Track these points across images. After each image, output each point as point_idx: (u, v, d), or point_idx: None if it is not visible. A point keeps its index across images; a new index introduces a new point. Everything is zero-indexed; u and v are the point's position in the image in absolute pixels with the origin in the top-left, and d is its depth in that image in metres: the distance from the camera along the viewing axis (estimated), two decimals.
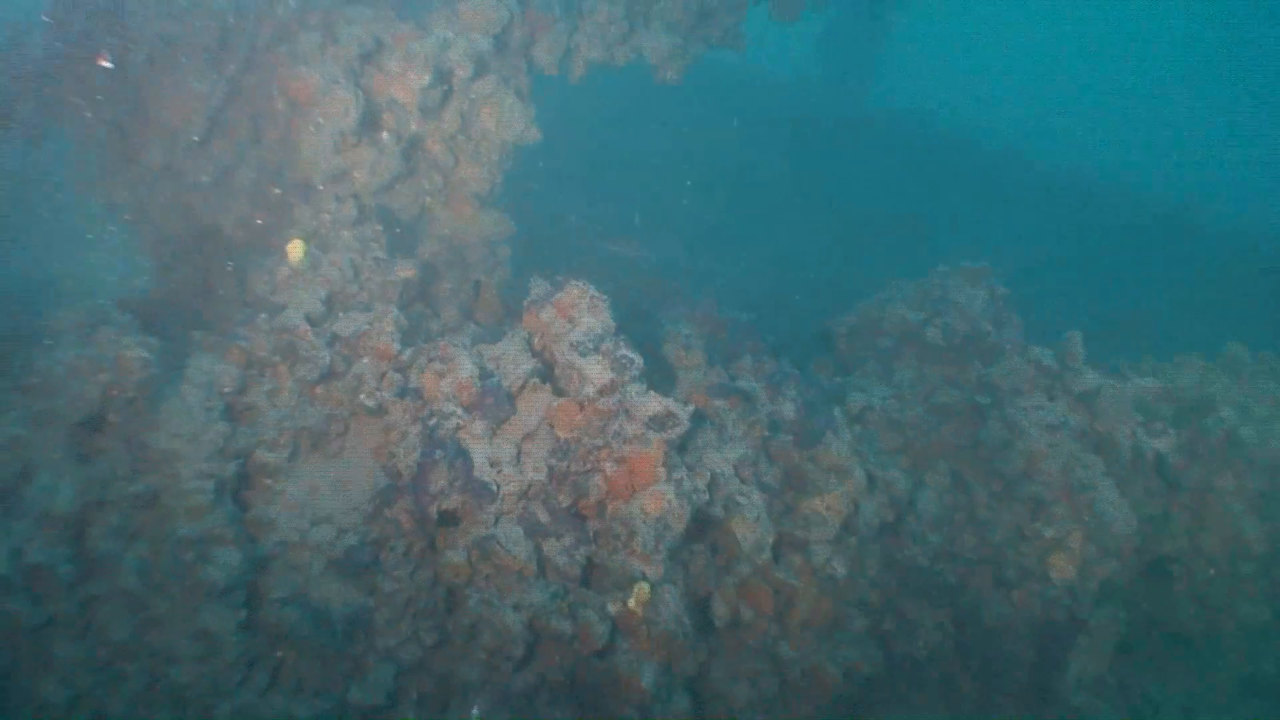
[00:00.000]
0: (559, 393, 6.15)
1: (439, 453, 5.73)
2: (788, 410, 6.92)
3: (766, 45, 8.93)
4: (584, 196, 16.27)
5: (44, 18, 6.84)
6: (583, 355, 6.06)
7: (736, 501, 6.38)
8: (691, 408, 6.03)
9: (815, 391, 7.02)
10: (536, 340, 6.51)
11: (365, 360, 6.32)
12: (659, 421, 5.85)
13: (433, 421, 5.88)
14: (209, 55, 7.06)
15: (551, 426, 6.02)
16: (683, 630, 5.82)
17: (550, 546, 5.75)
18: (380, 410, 6.14)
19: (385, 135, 7.19)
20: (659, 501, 5.69)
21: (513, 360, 6.28)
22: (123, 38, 6.90)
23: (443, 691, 5.76)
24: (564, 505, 5.86)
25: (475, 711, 5.66)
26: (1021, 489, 7.31)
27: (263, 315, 6.47)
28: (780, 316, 12.30)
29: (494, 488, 5.72)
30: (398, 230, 7.78)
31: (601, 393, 5.92)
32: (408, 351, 6.37)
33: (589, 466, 5.85)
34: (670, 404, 5.89)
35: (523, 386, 6.12)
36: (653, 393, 5.96)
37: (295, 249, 6.90)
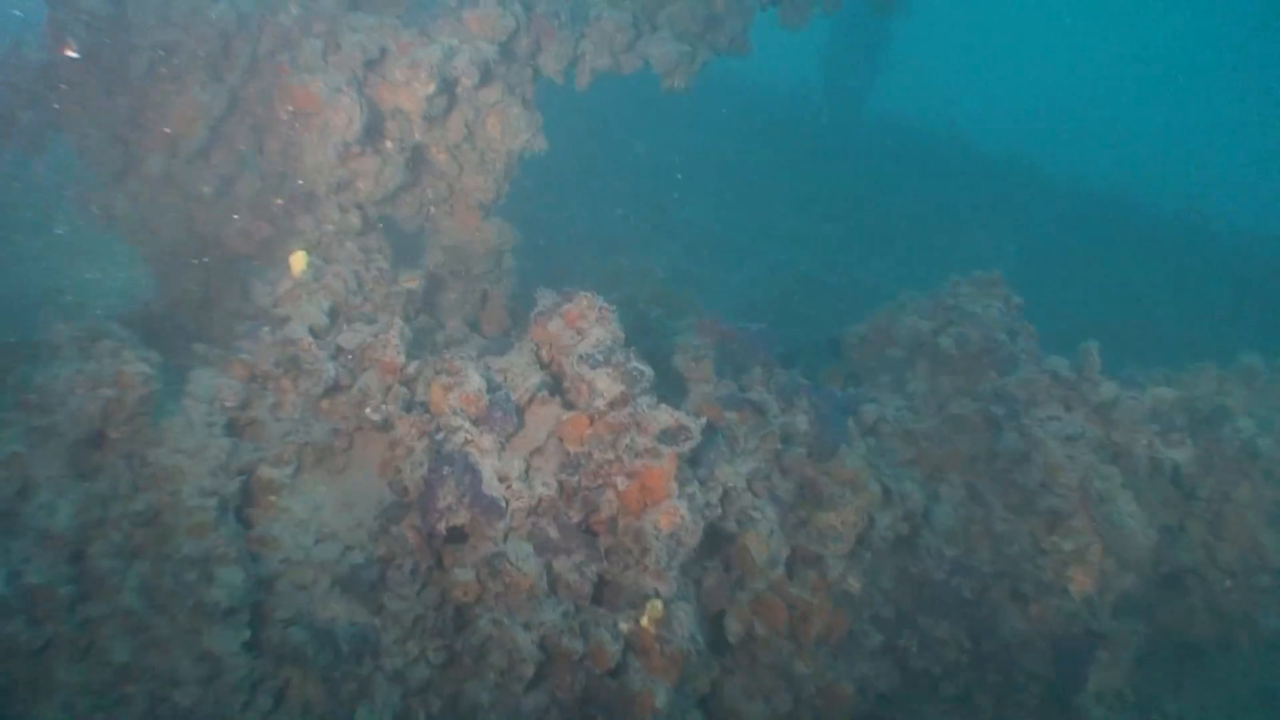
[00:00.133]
0: (568, 405, 6.03)
1: (446, 468, 5.60)
2: (801, 422, 6.80)
3: (768, 52, 8.83)
4: (587, 204, 16.22)
5: (42, 27, 6.75)
6: (592, 367, 5.94)
7: (750, 516, 6.26)
8: (704, 420, 5.91)
9: (828, 403, 6.90)
10: (544, 352, 6.40)
11: (370, 373, 6.19)
12: (671, 435, 5.72)
13: (440, 436, 5.75)
14: (210, 64, 6.97)
15: (561, 440, 5.89)
16: (696, 648, 5.69)
17: (561, 563, 5.62)
18: (386, 424, 6.02)
19: (389, 144, 7.09)
20: (672, 517, 5.56)
21: (520, 373, 6.16)
22: (122, 46, 6.81)
23: (451, 713, 5.62)
24: (574, 521, 5.74)
25: None
26: (1039, 502, 7.20)
27: (265, 328, 6.35)
28: (786, 325, 12.22)
29: (503, 504, 5.59)
30: (401, 240, 7.68)
31: (612, 406, 5.80)
32: (413, 364, 6.25)
33: (600, 481, 5.72)
34: (682, 417, 5.77)
35: (531, 399, 6.00)
36: (664, 405, 5.83)
37: (298, 260, 6.79)
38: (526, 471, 5.78)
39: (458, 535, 5.65)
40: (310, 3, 7.07)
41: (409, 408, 6.01)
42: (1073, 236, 20.77)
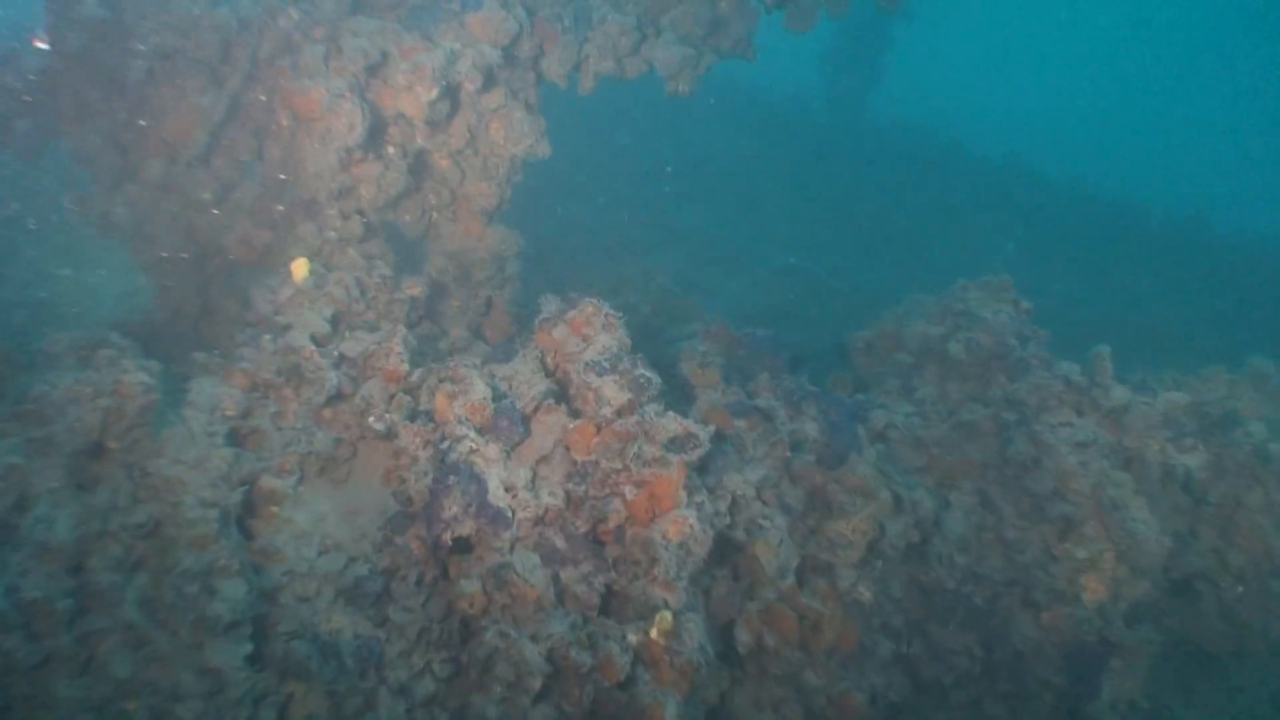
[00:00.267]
0: (574, 414, 5.95)
1: (452, 478, 5.51)
2: (810, 429, 6.72)
3: (768, 55, 8.75)
4: (589, 209, 16.14)
5: (40, 33, 6.67)
6: (599, 375, 5.86)
7: (759, 525, 6.17)
8: (712, 428, 5.83)
9: (837, 409, 6.81)
10: (549, 359, 6.32)
11: (373, 382, 6.12)
12: (679, 443, 5.64)
13: (444, 445, 5.66)
14: (210, 69, 6.89)
15: (567, 449, 5.81)
16: (706, 659, 5.59)
17: (568, 574, 5.53)
18: (390, 433, 5.93)
19: (391, 150, 7.01)
20: (681, 526, 5.47)
21: (526, 380, 6.09)
22: (121, 51, 6.72)
23: None
24: (582, 531, 5.65)
25: None
26: (1052, 509, 7.10)
27: (267, 336, 6.27)
28: (789, 329, 12.13)
29: (509, 514, 5.50)
30: (404, 247, 7.60)
31: (619, 414, 5.72)
32: (417, 372, 6.17)
33: (607, 490, 5.63)
34: (691, 425, 5.69)
35: (537, 408, 5.92)
36: (671, 413, 5.75)
37: (299, 267, 6.72)
38: (533, 481, 5.69)
39: (463, 546, 5.56)
40: (311, 7, 7.00)
41: (413, 416, 5.93)
42: (1073, 238, 20.71)
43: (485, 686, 5.41)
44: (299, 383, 6.03)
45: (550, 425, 5.88)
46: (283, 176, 7.01)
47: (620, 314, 6.18)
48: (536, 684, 5.28)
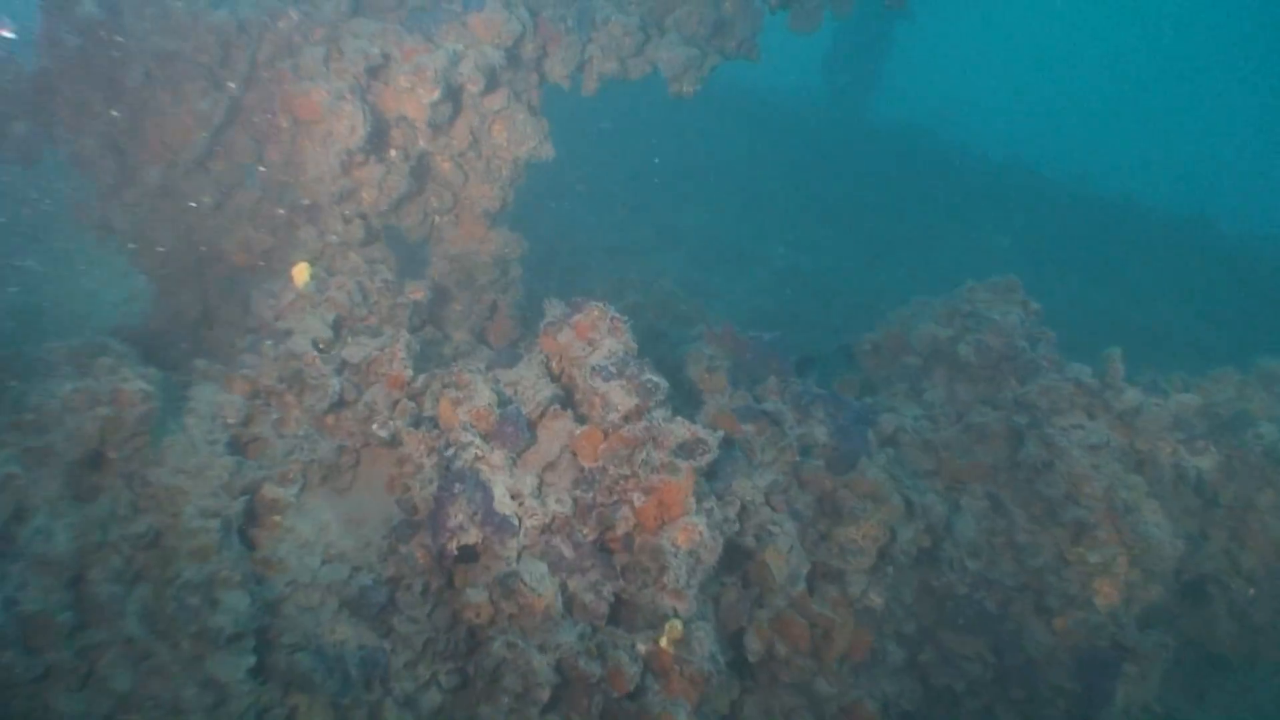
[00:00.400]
0: (580, 419, 5.86)
1: (457, 485, 5.42)
2: (819, 433, 6.63)
3: (770, 56, 8.67)
4: (591, 212, 16.06)
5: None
6: (605, 380, 5.77)
7: (769, 531, 6.08)
8: (721, 433, 5.74)
9: (846, 413, 6.72)
10: (554, 364, 6.23)
11: (377, 388, 6.03)
12: (688, 449, 5.55)
13: (449, 452, 5.57)
14: (209, 72, 6.80)
15: (574, 455, 5.72)
16: (717, 669, 5.51)
17: (576, 583, 5.44)
18: (394, 441, 5.84)
19: (393, 153, 6.92)
20: (691, 534, 5.39)
21: (531, 386, 5.99)
22: (119, 54, 6.63)
23: None
24: (590, 539, 5.55)
25: None
26: (1063, 512, 7.01)
27: (268, 342, 6.18)
28: (794, 331, 12.04)
29: (515, 521, 5.41)
30: (406, 251, 7.51)
31: (627, 419, 5.63)
32: (420, 378, 6.08)
33: (615, 497, 5.54)
34: (699, 430, 5.60)
35: (543, 413, 5.83)
36: (680, 418, 5.67)
37: (301, 272, 6.63)
38: (539, 488, 5.60)
39: (469, 555, 5.47)
40: (311, 8, 6.91)
41: (417, 423, 5.84)
42: (1076, 238, 20.64)
43: (493, 698, 5.32)
44: (301, 389, 5.94)
45: (556, 431, 5.79)
46: (283, 180, 6.92)
47: (627, 318, 6.10)
48: (545, 695, 5.19)
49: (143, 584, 5.10)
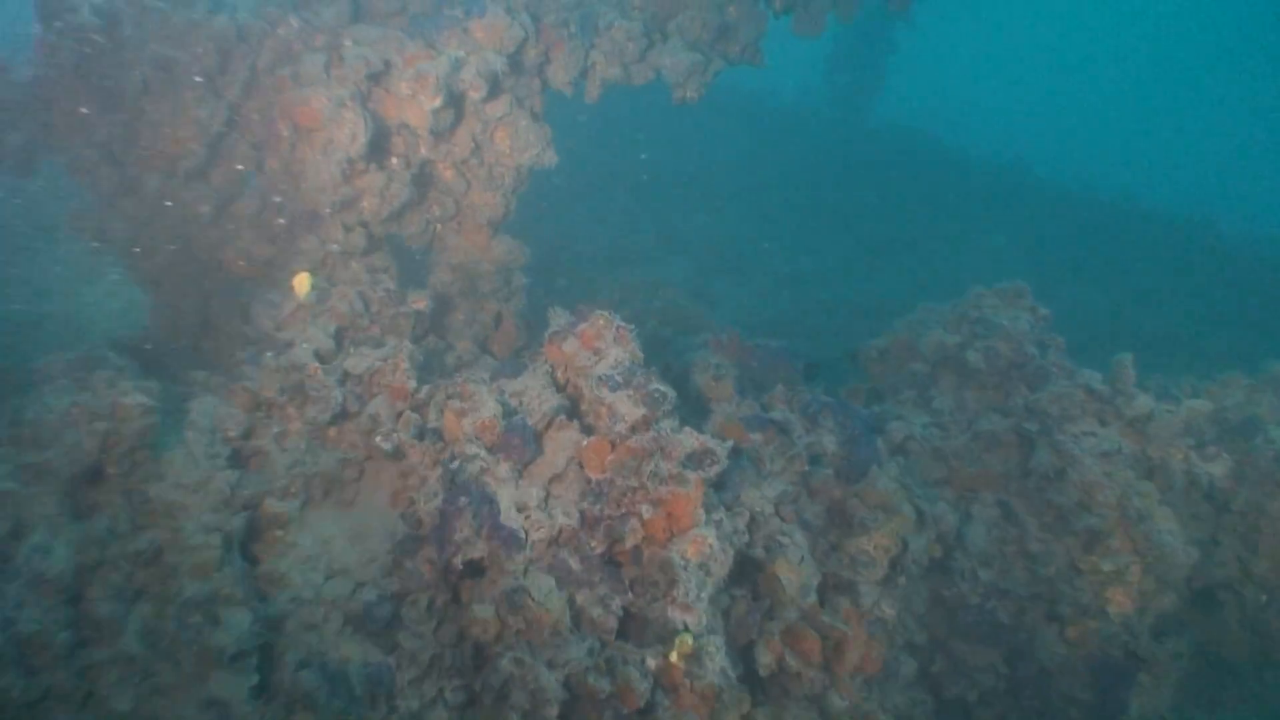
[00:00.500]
0: (587, 430, 5.77)
1: (462, 498, 5.33)
2: (828, 442, 6.53)
3: (772, 61, 8.60)
4: (593, 218, 15.98)
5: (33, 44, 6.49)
6: (612, 390, 5.67)
7: (779, 542, 5.98)
8: (729, 443, 5.65)
9: (855, 421, 6.63)
10: (560, 374, 6.14)
11: (380, 399, 5.94)
12: (696, 459, 5.46)
13: (454, 464, 5.48)
14: (208, 79, 6.71)
15: (581, 467, 5.62)
16: (728, 683, 5.40)
17: (584, 597, 5.34)
18: (398, 453, 5.75)
19: (395, 160, 6.84)
20: (700, 546, 5.29)
21: (536, 396, 5.90)
22: (116, 63, 6.54)
23: None
24: (598, 552, 5.45)
25: None
26: (1076, 521, 6.93)
27: (269, 353, 6.10)
28: (797, 337, 11.97)
29: (522, 535, 5.32)
30: (408, 259, 7.43)
31: (634, 430, 5.53)
32: (424, 389, 6.00)
33: (623, 509, 5.44)
34: (708, 440, 5.51)
35: (549, 424, 5.74)
36: (688, 429, 5.58)
37: (302, 282, 6.55)
38: (546, 500, 5.50)
39: (475, 569, 5.38)
40: (311, 15, 6.84)
41: (421, 435, 5.75)
42: (1078, 242, 20.57)
43: (500, 715, 5.22)
44: (303, 401, 5.86)
45: (563, 442, 5.69)
46: (283, 189, 6.83)
47: (633, 327, 6.02)
48: (554, 712, 5.09)
49: (143, 602, 5.01)
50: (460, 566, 5.31)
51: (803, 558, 5.99)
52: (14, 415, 5.20)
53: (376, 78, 6.64)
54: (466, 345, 7.36)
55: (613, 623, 5.32)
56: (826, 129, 23.89)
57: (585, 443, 5.61)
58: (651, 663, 5.31)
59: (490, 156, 7.22)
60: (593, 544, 5.45)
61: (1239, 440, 7.91)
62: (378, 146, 6.61)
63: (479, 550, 5.29)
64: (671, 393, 5.69)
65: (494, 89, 6.93)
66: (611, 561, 5.51)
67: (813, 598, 6.00)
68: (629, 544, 5.42)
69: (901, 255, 18.36)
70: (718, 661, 5.40)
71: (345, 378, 6.01)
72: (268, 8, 6.83)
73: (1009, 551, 7.10)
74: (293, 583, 5.36)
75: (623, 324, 6.01)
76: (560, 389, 6.04)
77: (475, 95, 6.81)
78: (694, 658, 5.33)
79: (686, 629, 5.33)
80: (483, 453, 5.48)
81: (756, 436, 6.51)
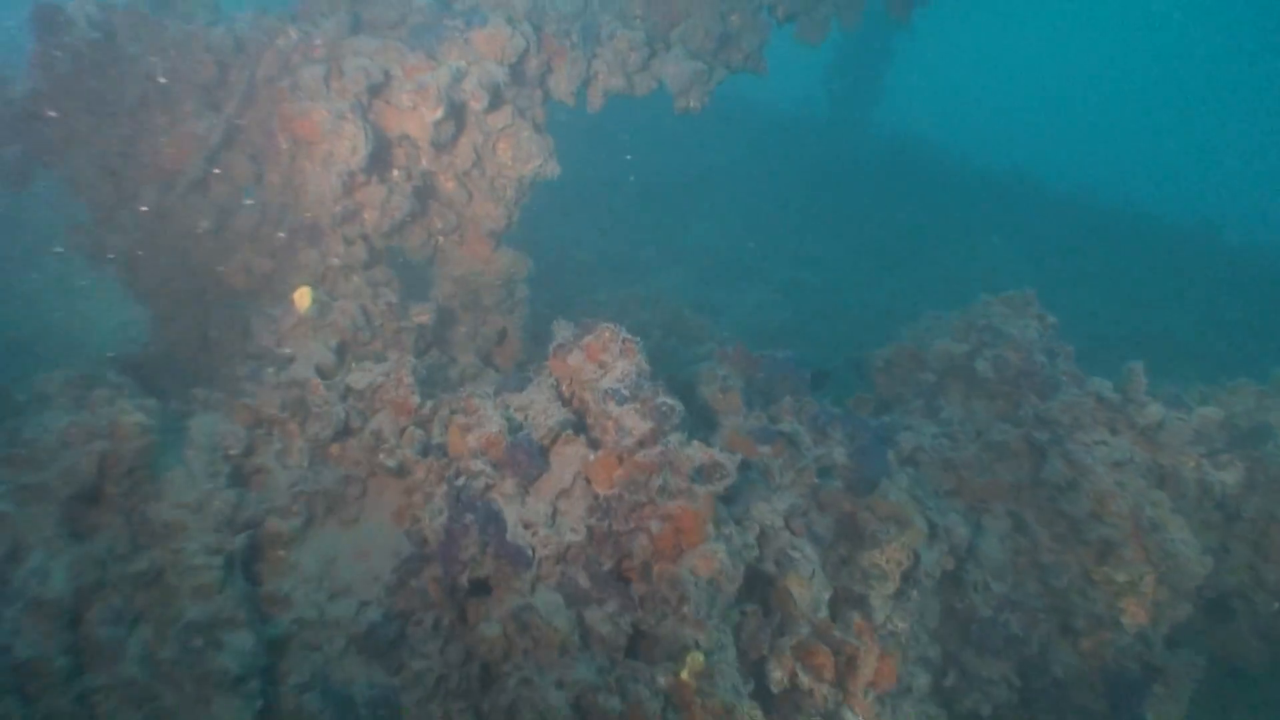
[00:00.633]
0: (593, 444, 5.68)
1: (468, 516, 5.24)
2: (837, 454, 6.45)
3: (771, 69, 8.55)
4: (593, 229, 15.92)
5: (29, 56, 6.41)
6: (619, 403, 5.60)
7: (789, 556, 5.89)
8: (739, 457, 5.56)
9: (864, 433, 6.54)
10: (565, 387, 6.06)
11: (382, 415, 5.85)
12: (705, 473, 5.38)
13: (460, 481, 5.39)
14: (206, 92, 6.64)
15: (589, 482, 5.53)
16: (740, 701, 5.30)
17: (593, 615, 5.24)
18: (402, 470, 5.66)
19: (396, 173, 6.76)
20: (711, 561, 5.20)
21: (542, 410, 5.81)
22: (113, 75, 6.47)
23: None
24: (606, 568, 5.36)
25: None
26: (1088, 531, 6.84)
27: (269, 369, 6.01)
28: (801, 346, 11.90)
29: (529, 552, 5.23)
30: (409, 272, 7.34)
31: (642, 444, 5.45)
32: (428, 404, 5.90)
33: (632, 525, 5.35)
34: (717, 454, 5.43)
35: (555, 439, 5.65)
36: (696, 442, 5.49)
37: (302, 296, 6.46)
38: (553, 516, 5.41)
39: (481, 587, 5.28)
40: (310, 26, 6.76)
41: (425, 451, 5.66)
42: (1080, 249, 20.54)
43: None
44: (305, 418, 5.77)
45: (569, 457, 5.60)
46: (283, 202, 6.75)
47: (639, 339, 5.94)
48: None
49: (144, 625, 4.90)
50: (466, 585, 5.22)
51: (814, 572, 5.90)
52: (10, 435, 5.11)
53: (377, 89, 6.56)
54: (469, 358, 7.27)
55: (622, 640, 5.23)
56: (826, 137, 23.87)
57: (592, 457, 5.52)
58: (662, 681, 5.20)
59: (492, 168, 7.15)
60: (601, 560, 5.36)
61: (1249, 447, 7.85)
62: (378, 159, 6.53)
63: (486, 568, 5.20)
64: (679, 406, 5.61)
65: (495, 100, 6.85)
66: (620, 578, 5.41)
67: (824, 612, 5.90)
68: (638, 560, 5.33)
69: (903, 263, 18.31)
70: (729, 679, 5.31)
71: (347, 393, 5.92)
72: (266, 19, 6.75)
73: (1021, 563, 7.01)
74: (296, 603, 5.26)
75: (629, 336, 5.93)
76: (566, 403, 5.96)
77: (477, 106, 6.73)
78: (705, 675, 5.24)
79: (698, 646, 5.24)
80: (488, 469, 5.39)
81: (765, 449, 6.42)
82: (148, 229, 6.86)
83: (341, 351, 6.30)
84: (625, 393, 5.64)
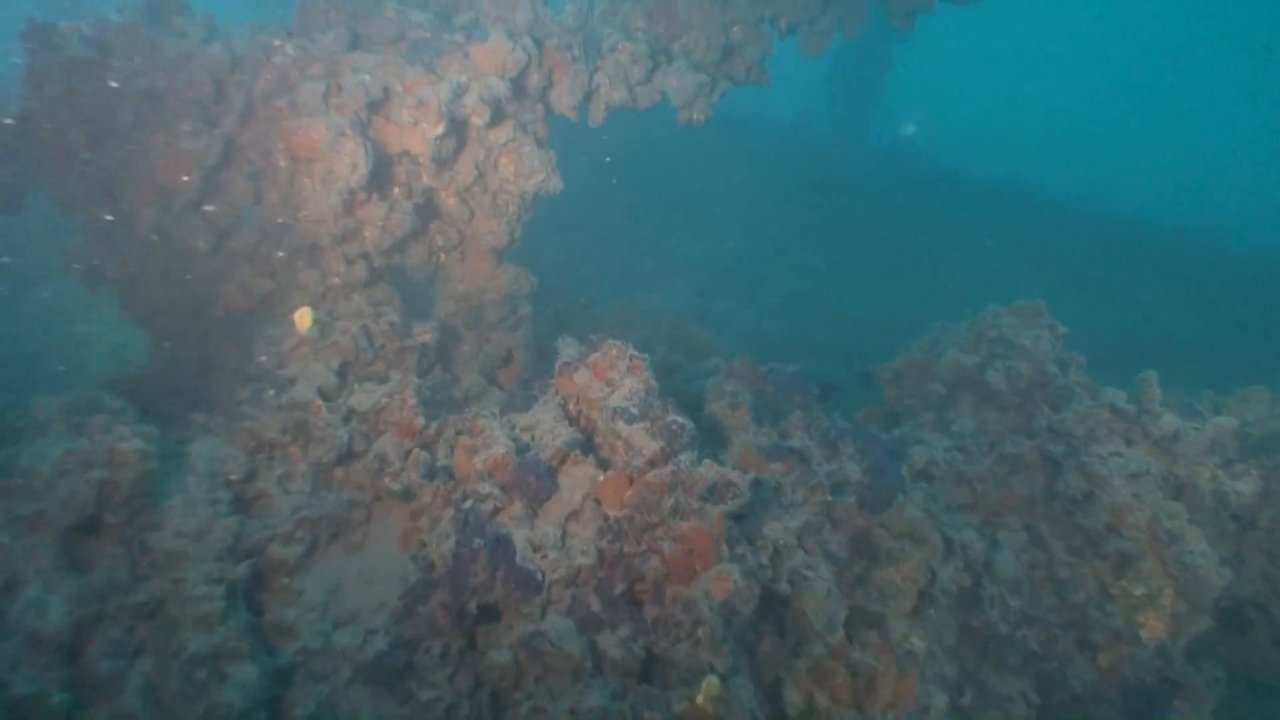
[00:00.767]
0: (602, 464, 5.56)
1: (476, 540, 5.11)
2: (850, 470, 6.33)
3: (772, 81, 8.46)
4: (594, 243, 15.82)
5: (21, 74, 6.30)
6: (628, 423, 5.48)
7: (803, 575, 5.77)
8: (751, 475, 5.45)
9: (876, 448, 6.42)
10: (572, 406, 5.95)
11: (387, 437, 5.74)
12: (717, 493, 5.26)
13: (467, 504, 5.27)
14: (202, 109, 6.53)
15: (598, 503, 5.41)
16: None
17: (605, 639, 5.12)
18: (407, 494, 5.54)
19: (396, 190, 6.65)
20: (725, 583, 5.08)
21: (549, 430, 5.70)
22: (108, 94, 6.36)
23: None
24: (618, 591, 5.23)
25: None
26: (1105, 544, 6.72)
27: (270, 391, 5.89)
28: (805, 359, 11.80)
29: (539, 576, 5.10)
30: (411, 290, 7.23)
31: (652, 463, 5.33)
32: (433, 425, 5.79)
33: (644, 547, 5.23)
34: (728, 472, 5.31)
35: (563, 460, 5.54)
36: (707, 460, 5.38)
37: (303, 316, 6.35)
38: (563, 539, 5.30)
39: (491, 613, 5.16)
40: (309, 42, 6.66)
41: (431, 474, 5.54)
42: (1082, 256, 20.48)
43: None
44: (307, 441, 5.65)
45: (578, 478, 5.49)
46: (282, 221, 6.64)
47: (646, 356, 5.83)
48: None
49: (145, 657, 4.78)
50: (475, 611, 5.09)
51: (829, 591, 5.78)
52: (6, 463, 4.99)
53: (376, 105, 6.46)
54: (473, 377, 7.16)
55: (635, 665, 5.10)
56: (826, 148, 23.84)
57: (602, 478, 5.41)
58: (678, 706, 5.07)
59: (494, 183, 7.04)
60: (613, 583, 5.23)
61: (1262, 456, 7.75)
62: (379, 176, 6.43)
63: (495, 593, 5.07)
64: (690, 424, 5.50)
65: (497, 114, 6.75)
66: (632, 601, 5.29)
67: (840, 632, 5.78)
68: (650, 583, 5.21)
69: (905, 273, 18.22)
70: (746, 703, 5.18)
71: (350, 415, 5.81)
72: (263, 35, 6.65)
73: (1038, 577, 6.89)
74: (300, 633, 5.13)
75: (636, 353, 5.83)
76: (573, 422, 5.85)
77: (478, 121, 6.63)
78: (721, 700, 5.11)
79: (713, 670, 5.11)
80: (496, 491, 5.27)
81: (776, 466, 6.30)
82: (145, 249, 6.74)
83: (343, 372, 6.18)
84: (634, 411, 5.53)
